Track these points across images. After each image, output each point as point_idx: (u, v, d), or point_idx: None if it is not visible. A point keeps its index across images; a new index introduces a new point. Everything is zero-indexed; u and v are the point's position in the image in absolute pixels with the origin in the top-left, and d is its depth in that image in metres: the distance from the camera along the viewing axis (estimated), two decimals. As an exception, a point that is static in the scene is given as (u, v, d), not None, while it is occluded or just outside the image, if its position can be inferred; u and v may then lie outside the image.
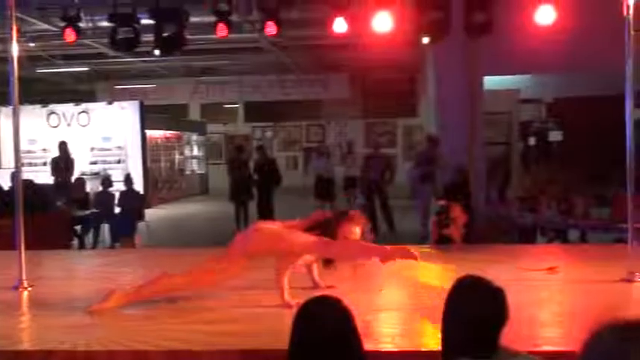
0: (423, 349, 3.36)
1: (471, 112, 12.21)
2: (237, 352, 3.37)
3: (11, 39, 4.87)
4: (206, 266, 4.37)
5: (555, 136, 16.88)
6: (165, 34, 10.46)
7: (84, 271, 6.20)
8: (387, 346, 3.42)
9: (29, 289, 4.78)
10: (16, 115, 5.03)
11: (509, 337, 2.42)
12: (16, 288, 4.77)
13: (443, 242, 6.29)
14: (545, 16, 9.50)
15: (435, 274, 5.15)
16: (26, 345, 3.67)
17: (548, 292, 4.55)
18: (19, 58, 5.00)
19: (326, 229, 4.21)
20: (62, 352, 3.41)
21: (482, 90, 12.38)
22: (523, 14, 9.75)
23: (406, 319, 4.00)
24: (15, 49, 4.89)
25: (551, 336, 3.62)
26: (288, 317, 3.54)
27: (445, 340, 2.42)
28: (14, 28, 4.89)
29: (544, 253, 6.60)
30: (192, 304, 4.27)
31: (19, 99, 5.12)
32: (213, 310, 4.17)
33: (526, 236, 9.56)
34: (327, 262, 4.38)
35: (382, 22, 9.69)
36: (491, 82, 12.55)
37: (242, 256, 4.21)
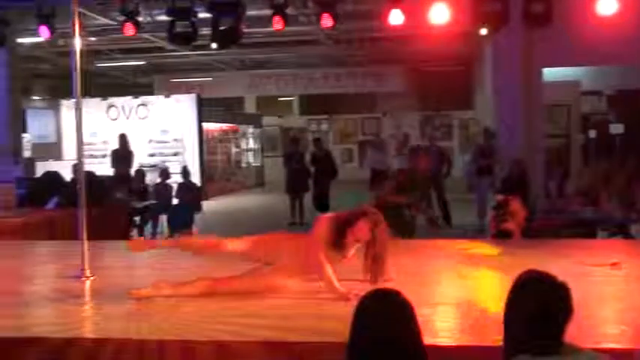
0: (483, 345, 3.32)
1: (529, 105, 12.02)
2: (285, 343, 3.38)
3: (74, 33, 4.96)
4: (249, 280, 4.39)
5: (617, 128, 16.49)
6: (222, 28, 10.52)
7: (142, 262, 6.27)
8: (446, 341, 3.38)
9: (91, 278, 4.86)
10: (79, 109, 5.12)
11: (572, 333, 2.38)
12: (78, 277, 4.86)
13: (501, 237, 6.20)
14: (606, 6, 9.31)
15: (494, 268, 5.08)
16: (86, 333, 3.74)
17: (612, 288, 4.44)
18: (81, 53, 5.09)
19: (339, 226, 4.17)
20: (115, 340, 3.47)
21: (541, 82, 12.17)
22: (584, 4, 9.57)
23: (465, 314, 3.94)
24: (78, 44, 4.98)
25: (614, 333, 3.53)
26: (338, 308, 3.58)
27: (507, 335, 2.39)
28: (77, 22, 4.97)
29: (606, 248, 6.46)
30: (245, 297, 4.28)
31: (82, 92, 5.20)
32: (262, 302, 4.18)
33: (586, 231, 9.37)
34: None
35: (439, 14, 9.63)
36: (550, 73, 12.33)
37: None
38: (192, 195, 13.36)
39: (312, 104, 27.84)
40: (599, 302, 4.11)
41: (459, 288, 4.58)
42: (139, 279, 5.09)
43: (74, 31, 4.94)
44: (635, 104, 15.85)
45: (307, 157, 15.70)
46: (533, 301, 2.34)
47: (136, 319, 3.84)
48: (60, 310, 4.23)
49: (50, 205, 9.93)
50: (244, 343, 3.42)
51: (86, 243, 5.01)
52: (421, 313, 3.67)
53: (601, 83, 15.57)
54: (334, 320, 3.58)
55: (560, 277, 2.44)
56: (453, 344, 3.36)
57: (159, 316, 3.88)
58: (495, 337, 3.35)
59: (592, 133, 16.67)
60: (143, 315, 3.92)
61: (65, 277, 5.01)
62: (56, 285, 4.93)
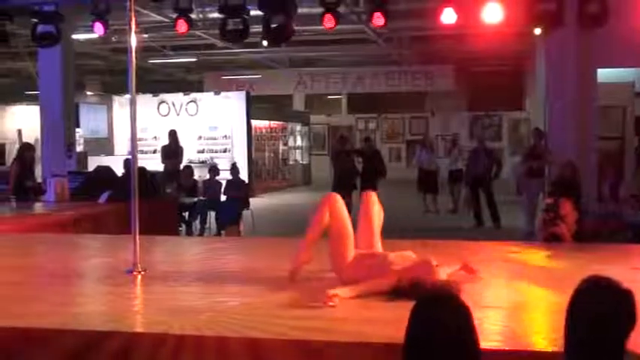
0: (535, 349, 3.27)
1: (582, 106, 11.84)
2: (355, 344, 3.36)
3: (130, 30, 5.02)
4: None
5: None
6: (273, 26, 10.55)
7: (192, 257, 6.34)
8: (497, 345, 3.34)
9: (143, 272, 4.92)
10: (133, 104, 5.18)
11: (636, 341, 2.33)
12: (130, 272, 4.93)
13: (552, 240, 6.10)
14: (664, 6, 9.11)
15: (544, 272, 5.01)
16: (139, 328, 3.78)
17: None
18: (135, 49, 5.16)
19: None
20: (173, 337, 3.49)
21: (595, 83, 11.97)
22: (639, 5, 9.39)
23: (514, 318, 3.89)
24: (133, 40, 5.04)
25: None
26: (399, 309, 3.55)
27: (568, 341, 2.34)
28: (133, 19, 5.03)
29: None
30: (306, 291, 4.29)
31: (128, 89, 5.27)
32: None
33: (639, 236, 9.19)
34: None
35: (492, 13, 9.51)
36: (604, 74, 12.11)
37: None
38: (240, 192, 13.45)
39: (360, 103, 27.82)
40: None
41: (509, 292, 4.52)
42: (189, 275, 5.13)
43: (130, 27, 5.00)
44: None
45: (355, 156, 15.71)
46: (596, 307, 2.29)
47: (189, 313, 3.87)
48: (111, 305, 4.28)
49: (102, 199, 10.09)
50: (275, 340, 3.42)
51: (138, 237, 5.06)
52: (474, 316, 3.66)
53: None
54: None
55: (617, 284, 2.39)
56: (504, 349, 3.31)
57: (210, 312, 3.90)
58: (545, 342, 3.33)
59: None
60: (192, 311, 3.95)
61: (117, 271, 5.07)
62: (107, 279, 5.00)
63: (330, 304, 3.92)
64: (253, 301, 4.19)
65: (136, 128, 5.21)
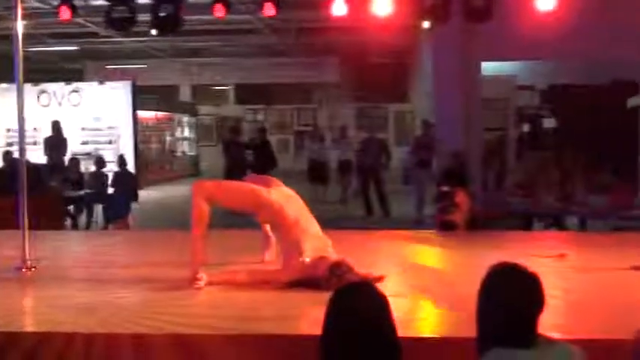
0: (446, 335, 3.34)
1: (467, 98, 12.18)
2: (250, 336, 3.32)
3: (15, 17, 4.78)
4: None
5: (549, 122, 16.89)
6: (162, 14, 10.31)
7: (82, 253, 6.13)
8: (405, 332, 3.38)
9: (32, 269, 4.70)
10: (20, 95, 4.94)
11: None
12: (19, 269, 4.70)
13: (446, 228, 6.26)
14: (545, 2, 9.45)
15: (441, 260, 5.12)
16: (29, 327, 3.61)
17: (562, 280, 4.50)
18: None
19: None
20: (61, 335, 3.36)
21: (479, 76, 12.34)
22: (523, 0, 9.72)
23: (412, 307, 3.94)
24: (20, 27, 4.80)
25: (565, 323, 3.58)
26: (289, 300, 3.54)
27: (481, 328, 2.38)
28: (19, 5, 4.79)
29: (548, 239, 6.58)
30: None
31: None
32: (214, 294, 4.12)
33: (522, 222, 9.56)
34: None
35: (382, 6, 9.62)
36: (488, 67, 12.52)
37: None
38: (128, 184, 13.11)
39: (248, 94, 27.67)
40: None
41: (408, 280, 4.58)
42: (80, 270, 4.95)
43: (16, 14, 4.75)
44: (566, 99, 16.24)
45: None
46: (506, 293, 2.34)
47: (83, 311, 3.72)
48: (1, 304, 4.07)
49: (-20, 193, 9.58)
50: (200, 336, 3.35)
51: (27, 232, 4.83)
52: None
53: (535, 78, 15.90)
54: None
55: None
56: (409, 336, 3.35)
57: (107, 309, 3.76)
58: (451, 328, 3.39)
59: (526, 127, 17.04)
60: (89, 308, 3.80)
61: (3, 269, 4.82)
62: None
63: (196, 285, 4.08)
64: (146, 296, 4.08)
65: (23, 120, 4.96)
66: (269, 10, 10.31)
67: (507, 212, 9.52)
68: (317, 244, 4.25)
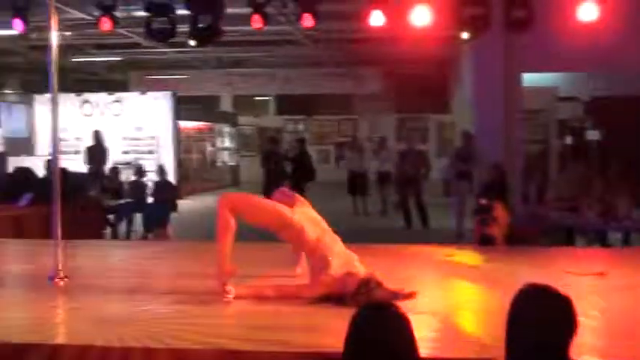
0: (465, 357, 3.23)
1: (508, 109, 12.01)
2: (288, 354, 3.26)
3: (50, 28, 4.80)
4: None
5: (593, 135, 16.57)
6: (200, 25, 10.38)
7: (117, 263, 6.13)
8: (433, 352, 3.28)
9: (65, 279, 4.70)
10: (55, 104, 4.96)
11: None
12: (51, 279, 4.70)
13: (485, 242, 6.14)
14: (587, 13, 9.29)
15: (477, 277, 5.00)
16: (61, 339, 3.59)
17: (601, 300, 4.36)
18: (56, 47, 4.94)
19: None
20: (97, 348, 3.33)
21: (520, 87, 12.17)
22: (565, 10, 9.56)
23: (446, 325, 3.84)
24: (54, 38, 4.82)
25: (604, 346, 3.45)
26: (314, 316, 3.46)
27: (510, 353, 2.29)
28: (53, 16, 4.82)
29: (589, 256, 6.41)
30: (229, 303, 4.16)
31: (50, 87, 5.05)
32: (242, 308, 4.07)
33: (564, 238, 9.36)
34: None
35: (420, 16, 9.56)
36: (529, 79, 12.33)
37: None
38: (167, 194, 13.18)
39: (288, 104, 27.70)
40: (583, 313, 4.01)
41: (440, 297, 4.48)
42: (115, 280, 4.94)
43: (50, 25, 4.78)
44: (610, 111, 15.92)
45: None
46: (536, 316, 2.25)
47: (106, 323, 3.69)
48: (32, 314, 4.07)
49: (22, 201, 9.71)
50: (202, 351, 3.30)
51: (60, 242, 4.84)
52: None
53: (578, 89, 15.64)
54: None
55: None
56: (439, 356, 3.26)
57: (136, 322, 3.74)
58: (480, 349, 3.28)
59: (568, 139, 16.74)
60: (113, 320, 3.77)
61: (38, 279, 4.84)
62: (28, 287, 4.77)
63: (225, 298, 4.08)
64: (180, 309, 4.04)
65: (58, 129, 4.97)
66: (307, 21, 10.31)
67: (548, 227, 9.34)
68: (343, 260, 4.19)
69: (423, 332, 3.62)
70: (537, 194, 11.07)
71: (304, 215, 4.35)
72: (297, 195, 4.64)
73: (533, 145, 13.54)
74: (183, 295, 4.33)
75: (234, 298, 4.14)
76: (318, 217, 4.46)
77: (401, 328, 2.21)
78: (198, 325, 3.71)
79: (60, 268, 4.73)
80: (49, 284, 4.67)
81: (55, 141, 5.06)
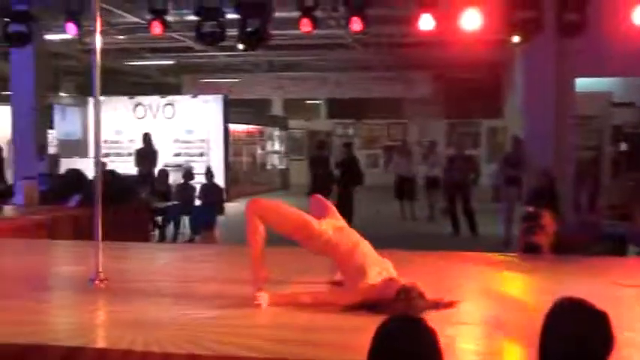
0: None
1: (560, 115, 11.78)
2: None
3: (96, 31, 4.86)
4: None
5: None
6: (249, 29, 10.42)
7: (161, 266, 6.16)
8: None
9: (104, 282, 4.74)
10: (97, 106, 5.01)
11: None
12: (92, 281, 4.74)
13: (530, 251, 6.00)
14: (642, 16, 9.07)
15: (522, 287, 4.89)
16: (99, 344, 3.60)
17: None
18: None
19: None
20: (138, 353, 3.33)
21: (573, 92, 11.92)
22: (618, 14, 9.34)
23: (490, 335, 3.75)
24: (98, 41, 4.87)
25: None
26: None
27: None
28: (98, 19, 4.87)
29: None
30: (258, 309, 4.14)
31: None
32: (276, 314, 4.04)
33: (617, 247, 9.11)
34: None
35: (470, 20, 9.44)
36: (582, 84, 12.08)
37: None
38: (215, 196, 13.26)
39: (339, 108, 27.69)
40: (634, 327, 3.88)
41: (485, 307, 4.37)
42: (153, 284, 4.96)
43: (96, 28, 4.83)
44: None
45: (333, 162, 15.57)
46: (571, 333, 2.15)
47: (140, 328, 3.69)
48: (70, 317, 4.11)
49: (72, 202, 9.87)
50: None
51: (101, 244, 4.88)
52: (443, 333, 3.51)
53: (634, 95, 15.26)
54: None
55: (595, 301, 2.27)
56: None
57: (175, 326, 3.73)
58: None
59: (623, 146, 16.33)
60: (147, 324, 3.78)
61: (80, 280, 4.89)
62: (69, 288, 4.82)
63: (256, 302, 4.08)
64: (221, 314, 4.03)
65: (100, 131, 5.01)
66: (356, 24, 10.27)
67: (600, 236, 9.11)
68: (379, 267, 4.13)
69: (467, 344, 3.55)
70: (589, 202, 10.82)
71: (333, 226, 4.30)
72: (330, 205, 4.58)
73: (586, 151, 13.25)
74: (224, 300, 4.31)
75: (269, 304, 4.11)
76: (348, 227, 4.40)
77: (427, 340, 2.14)
78: (236, 331, 3.68)
79: (100, 270, 4.76)
80: (90, 286, 4.70)
81: (98, 144, 5.11)
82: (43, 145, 14.57)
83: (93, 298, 4.51)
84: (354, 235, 4.32)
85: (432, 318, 3.72)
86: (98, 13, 4.83)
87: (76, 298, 4.57)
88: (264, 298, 4.12)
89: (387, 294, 3.88)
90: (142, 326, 3.73)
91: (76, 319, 4.05)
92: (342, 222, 4.43)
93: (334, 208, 4.55)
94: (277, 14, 11.12)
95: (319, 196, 4.66)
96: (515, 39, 10.14)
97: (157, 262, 6.45)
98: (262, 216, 4.25)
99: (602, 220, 9.57)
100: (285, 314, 4.00)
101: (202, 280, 5.11)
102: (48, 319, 4.09)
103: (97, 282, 4.71)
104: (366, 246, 4.26)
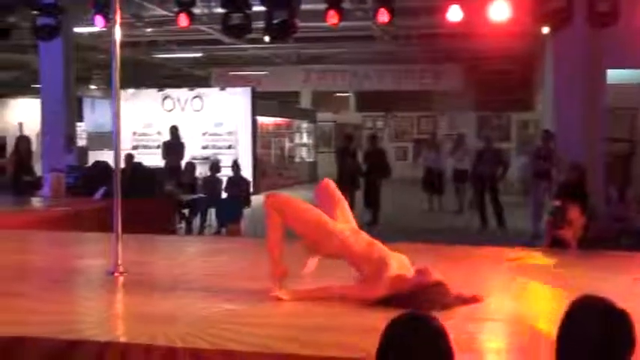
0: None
1: (591, 107, 11.59)
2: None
3: (115, 22, 4.85)
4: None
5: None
6: (275, 21, 10.36)
7: (183, 259, 6.13)
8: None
9: (123, 274, 4.72)
10: (117, 99, 5.00)
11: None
12: (111, 273, 4.73)
13: (556, 245, 5.88)
14: (677, 5, 8.87)
15: (548, 282, 4.78)
16: (109, 337, 3.57)
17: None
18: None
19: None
20: (141, 346, 3.29)
21: (604, 84, 11.71)
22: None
23: (514, 332, 3.66)
24: (117, 33, 4.86)
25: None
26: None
27: (559, 364, 2.12)
28: (117, 12, 4.85)
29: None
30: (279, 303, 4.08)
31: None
32: (293, 308, 3.98)
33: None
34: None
35: (499, 11, 9.31)
36: (614, 75, 11.86)
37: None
38: (241, 189, 13.25)
39: (368, 101, 27.59)
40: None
41: (510, 302, 4.27)
42: (174, 276, 4.93)
43: (115, 19, 4.82)
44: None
45: (360, 154, 15.51)
46: (590, 333, 2.06)
47: (155, 321, 3.66)
48: (86, 308, 4.09)
49: (97, 195, 9.92)
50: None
51: (122, 237, 4.86)
52: (466, 329, 3.44)
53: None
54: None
55: (618, 297, 2.18)
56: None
57: (186, 320, 3.69)
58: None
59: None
60: (163, 317, 3.74)
61: (99, 272, 4.89)
62: (90, 280, 4.82)
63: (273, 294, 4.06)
64: (237, 308, 3.98)
65: (119, 125, 5.01)
66: (383, 16, 10.15)
67: (630, 229, 8.95)
68: (397, 262, 4.05)
69: (492, 341, 3.47)
70: (620, 196, 10.63)
71: (346, 225, 4.23)
72: (338, 195, 4.45)
73: (617, 144, 13.02)
74: (231, 294, 4.23)
75: (289, 299, 4.06)
76: (360, 230, 4.31)
77: (435, 338, 2.07)
78: (254, 326, 3.62)
79: (119, 262, 4.74)
80: (109, 278, 4.69)
81: (117, 136, 5.09)
82: (71, 138, 14.67)
83: (106, 290, 4.50)
84: (366, 236, 4.24)
85: (455, 314, 3.69)
86: (117, 6, 4.82)
87: (99, 291, 4.55)
88: (282, 294, 4.06)
89: (415, 286, 3.80)
90: (158, 320, 3.70)
91: (93, 312, 4.03)
92: (353, 223, 4.34)
93: (343, 199, 4.44)
94: (304, 6, 11.05)
95: (328, 184, 4.50)
96: (545, 30, 9.98)
97: (182, 255, 6.41)
98: (280, 211, 4.19)
99: (632, 213, 9.40)
100: (303, 311, 3.93)
101: (221, 274, 5.06)
102: (64, 309, 4.07)
103: (116, 274, 4.70)
104: (380, 244, 4.18)
